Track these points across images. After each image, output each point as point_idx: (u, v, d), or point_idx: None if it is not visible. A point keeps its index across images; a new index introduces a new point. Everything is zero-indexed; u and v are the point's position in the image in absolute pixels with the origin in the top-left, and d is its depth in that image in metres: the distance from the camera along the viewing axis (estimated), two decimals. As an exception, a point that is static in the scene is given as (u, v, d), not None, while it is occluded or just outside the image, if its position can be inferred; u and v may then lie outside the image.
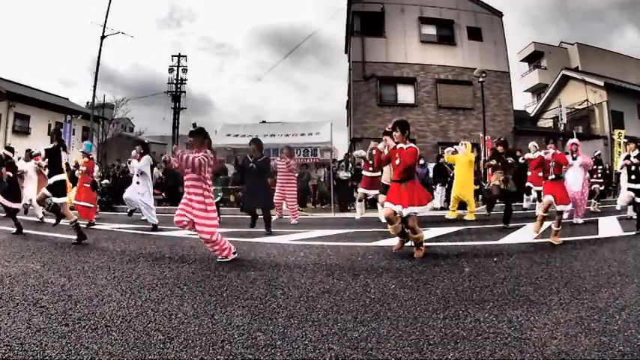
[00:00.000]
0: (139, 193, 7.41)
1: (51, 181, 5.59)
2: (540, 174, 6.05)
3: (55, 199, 5.62)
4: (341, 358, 1.89)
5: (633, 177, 6.26)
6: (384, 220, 6.95)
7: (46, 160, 5.82)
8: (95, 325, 2.27)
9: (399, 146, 4.39)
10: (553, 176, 5.30)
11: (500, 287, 3.06)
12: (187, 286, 3.19)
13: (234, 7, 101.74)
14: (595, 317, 2.35)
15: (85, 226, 6.93)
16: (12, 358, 1.87)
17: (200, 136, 4.20)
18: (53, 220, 6.84)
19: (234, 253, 4.19)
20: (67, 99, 31.43)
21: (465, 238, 5.81)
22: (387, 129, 5.86)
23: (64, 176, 5.72)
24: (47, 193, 5.66)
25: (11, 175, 6.49)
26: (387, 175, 6.77)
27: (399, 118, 4.72)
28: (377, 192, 7.87)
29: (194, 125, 4.31)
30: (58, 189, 5.59)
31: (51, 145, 5.69)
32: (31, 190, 8.23)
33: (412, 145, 4.41)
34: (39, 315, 2.43)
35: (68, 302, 2.69)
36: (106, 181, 13.00)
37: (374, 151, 7.13)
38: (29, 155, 8.61)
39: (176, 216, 4.12)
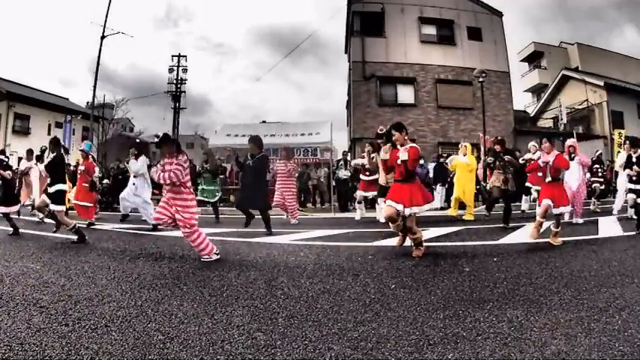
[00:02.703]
0: (136, 194, 7.43)
1: (52, 189, 5.55)
2: (540, 174, 6.02)
3: (53, 207, 5.58)
4: (341, 358, 1.89)
5: (635, 178, 6.27)
6: (383, 221, 6.98)
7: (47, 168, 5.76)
8: (95, 325, 2.27)
9: (400, 147, 4.40)
10: (550, 178, 5.25)
11: (500, 287, 3.06)
12: (187, 286, 3.19)
13: (233, 7, 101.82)
14: (595, 317, 2.34)
15: (85, 225, 6.94)
16: (12, 358, 1.87)
17: (167, 144, 4.16)
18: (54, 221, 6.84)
19: (216, 254, 4.19)
20: (67, 99, 31.51)
21: (464, 238, 5.81)
22: (378, 131, 5.87)
23: (65, 187, 5.70)
24: (47, 200, 5.65)
25: (4, 173, 6.41)
26: (383, 177, 6.81)
27: (393, 122, 4.78)
28: (375, 192, 7.92)
29: (157, 136, 4.22)
30: (58, 197, 5.56)
31: (52, 156, 5.65)
32: (35, 190, 8.18)
33: (414, 144, 4.44)
34: (39, 315, 2.43)
35: (68, 302, 2.69)
36: (106, 180, 12.99)
37: (372, 155, 7.15)
38: (30, 154, 8.62)
39: (155, 213, 4.17)
